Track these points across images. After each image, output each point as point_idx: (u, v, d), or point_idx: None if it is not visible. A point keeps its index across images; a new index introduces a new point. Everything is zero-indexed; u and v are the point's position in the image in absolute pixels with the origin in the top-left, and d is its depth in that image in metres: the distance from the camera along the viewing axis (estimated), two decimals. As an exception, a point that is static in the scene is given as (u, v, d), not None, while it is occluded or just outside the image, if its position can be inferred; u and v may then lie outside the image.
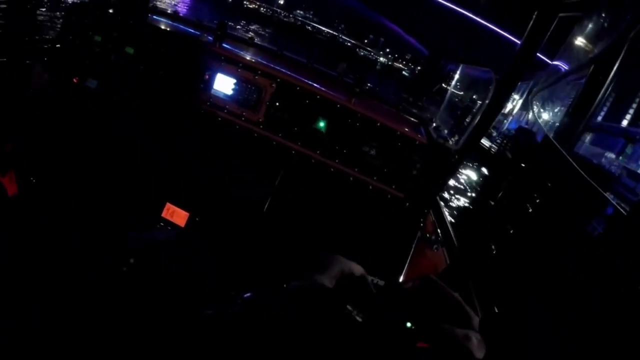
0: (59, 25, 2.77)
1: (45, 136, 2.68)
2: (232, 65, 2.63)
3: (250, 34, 3.55)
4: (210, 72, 2.63)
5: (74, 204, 2.47)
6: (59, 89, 2.73)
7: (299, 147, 2.62)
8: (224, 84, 2.63)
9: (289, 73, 2.64)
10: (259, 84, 2.61)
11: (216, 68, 2.63)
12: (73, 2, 2.97)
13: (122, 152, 2.64)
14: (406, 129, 2.58)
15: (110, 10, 2.77)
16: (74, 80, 2.71)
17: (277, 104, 2.61)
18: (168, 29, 2.87)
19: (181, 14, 3.30)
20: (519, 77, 2.58)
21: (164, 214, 2.59)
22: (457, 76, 5.79)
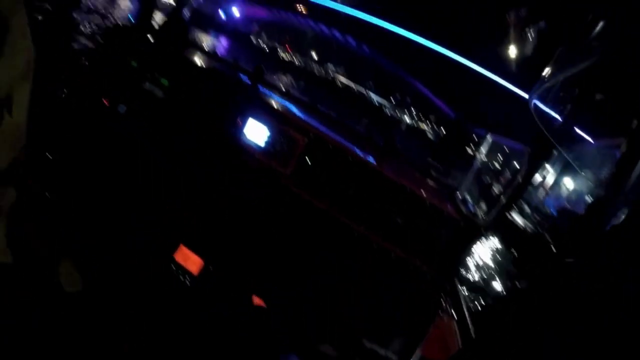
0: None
1: (47, 139, 2.59)
2: (265, 113, 2.60)
3: (284, 84, 3.58)
4: (243, 117, 2.59)
5: (74, 205, 2.40)
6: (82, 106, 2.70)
7: (325, 206, 2.51)
8: (255, 131, 2.59)
9: (323, 130, 2.58)
10: (291, 137, 2.55)
11: (249, 113, 2.59)
12: (115, 24, 3.01)
13: (135, 171, 2.55)
14: (435, 199, 2.47)
15: (150, 38, 2.77)
16: (105, 102, 2.69)
17: (307, 159, 2.54)
18: (205, 66, 2.86)
19: (219, 54, 3.34)
20: (551, 152, 2.44)
21: (176, 256, 2.45)
22: (485, 144, 5.73)
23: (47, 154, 2.55)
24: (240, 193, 2.53)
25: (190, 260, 2.45)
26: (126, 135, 2.61)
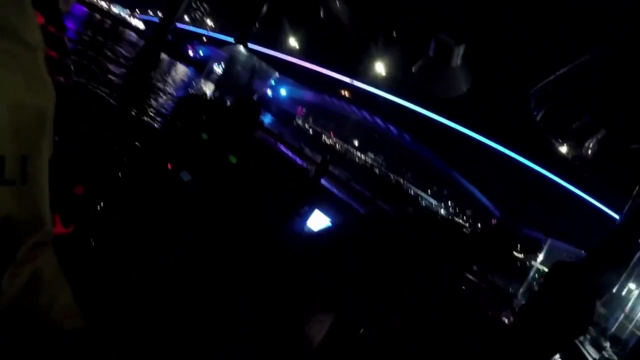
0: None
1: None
2: (330, 205, 2.60)
3: (345, 175, 3.65)
4: (308, 206, 2.60)
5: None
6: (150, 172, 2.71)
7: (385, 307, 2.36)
8: (319, 222, 2.56)
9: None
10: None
11: (314, 204, 2.60)
12: (192, 94, 3.11)
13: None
14: (496, 312, 2.30)
15: (224, 114, 2.82)
16: (169, 166, 2.68)
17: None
18: (273, 149, 2.88)
19: (286, 138, 3.41)
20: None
21: None
22: (544, 250, 5.48)
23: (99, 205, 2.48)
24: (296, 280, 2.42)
25: None
26: (185, 204, 2.55)
